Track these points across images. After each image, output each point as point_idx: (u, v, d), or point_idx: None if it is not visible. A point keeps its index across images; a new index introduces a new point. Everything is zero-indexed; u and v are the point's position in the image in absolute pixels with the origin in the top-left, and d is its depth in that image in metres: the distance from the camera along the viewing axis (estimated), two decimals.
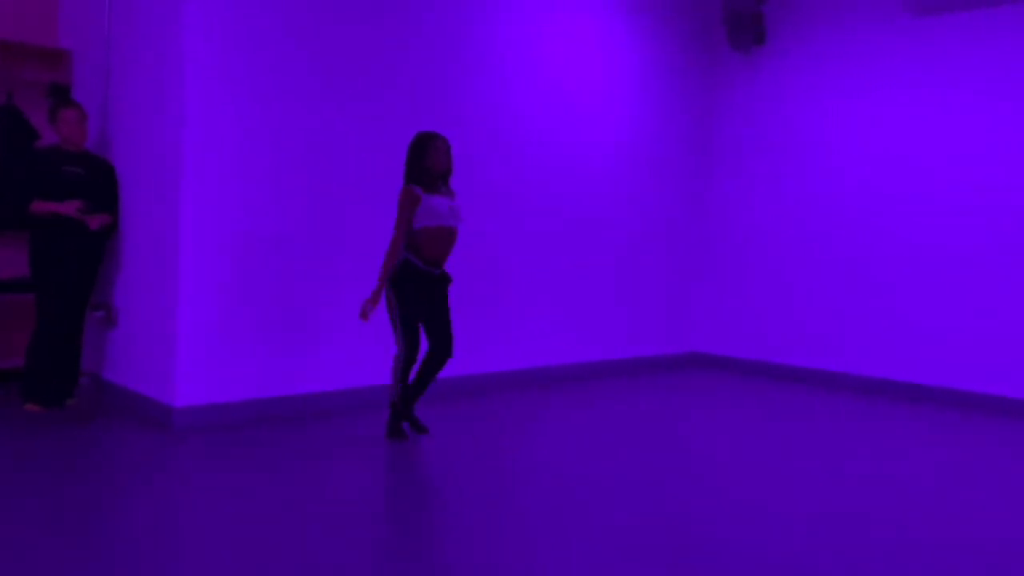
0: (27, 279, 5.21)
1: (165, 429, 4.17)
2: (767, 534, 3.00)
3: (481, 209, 5.61)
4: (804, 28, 6.93)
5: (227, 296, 4.37)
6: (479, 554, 2.68)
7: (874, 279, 6.50)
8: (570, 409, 5.15)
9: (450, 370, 5.48)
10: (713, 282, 7.54)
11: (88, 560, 2.48)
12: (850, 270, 6.63)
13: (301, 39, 4.59)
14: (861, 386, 6.52)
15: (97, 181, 4.58)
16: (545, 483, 3.52)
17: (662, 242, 7.14)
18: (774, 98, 7.12)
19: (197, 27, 4.19)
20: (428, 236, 4.05)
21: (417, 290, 4.09)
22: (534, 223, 5.99)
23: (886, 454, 4.35)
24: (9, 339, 5.27)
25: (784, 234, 7.04)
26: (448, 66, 5.34)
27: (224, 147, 4.33)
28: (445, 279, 4.25)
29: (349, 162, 4.86)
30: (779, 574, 2.62)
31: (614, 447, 4.22)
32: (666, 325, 7.25)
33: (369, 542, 2.74)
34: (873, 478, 3.85)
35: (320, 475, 3.49)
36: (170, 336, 4.25)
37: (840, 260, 6.69)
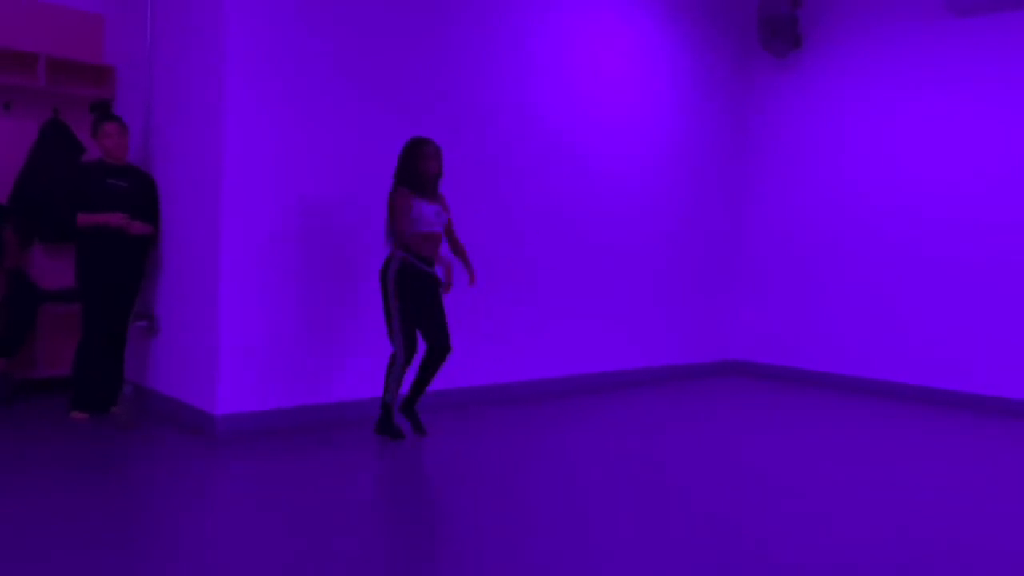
0: (74, 290, 5.34)
1: (206, 436, 4.23)
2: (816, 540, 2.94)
3: (518, 219, 5.61)
4: (839, 31, 6.84)
5: (267, 305, 4.43)
6: (521, 557, 2.66)
7: (922, 287, 6.35)
8: (605, 416, 5.11)
9: (487, 378, 5.47)
10: (751, 289, 7.45)
11: (123, 562, 2.52)
12: (895, 277, 6.50)
13: (339, 55, 4.65)
14: (901, 393, 6.38)
15: (140, 193, 4.67)
16: (572, 490, 3.50)
17: (699, 249, 7.07)
18: (810, 102, 7.02)
19: (237, 44, 4.27)
20: (418, 239, 4.22)
21: (417, 289, 4.23)
22: (571, 232, 5.97)
23: (939, 461, 4.24)
24: (58, 349, 5.40)
25: (821, 240, 6.93)
26: (481, 77, 5.36)
27: (262, 159, 4.40)
28: (437, 281, 4.38)
29: (384, 172, 4.90)
30: None
31: (651, 455, 4.18)
32: (704, 333, 7.17)
33: (408, 546, 2.74)
34: (924, 485, 3.76)
35: (360, 481, 3.51)
36: (211, 345, 4.31)
37: (888, 266, 6.56)
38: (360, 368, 4.82)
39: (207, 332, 4.35)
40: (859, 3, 6.74)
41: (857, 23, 6.75)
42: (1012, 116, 5.89)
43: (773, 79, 7.30)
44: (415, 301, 4.24)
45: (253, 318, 4.38)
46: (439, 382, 5.21)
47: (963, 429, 5.21)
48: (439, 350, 4.33)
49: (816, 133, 7.00)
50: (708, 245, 7.15)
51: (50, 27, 5.30)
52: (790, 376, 7.11)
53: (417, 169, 4.20)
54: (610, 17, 6.17)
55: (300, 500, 3.23)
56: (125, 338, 4.71)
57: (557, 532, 2.96)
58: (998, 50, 5.97)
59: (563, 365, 5.98)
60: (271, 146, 4.42)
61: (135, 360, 5.12)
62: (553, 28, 5.77)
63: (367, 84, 4.79)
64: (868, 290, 6.64)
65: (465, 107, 5.27)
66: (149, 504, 3.10)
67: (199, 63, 4.47)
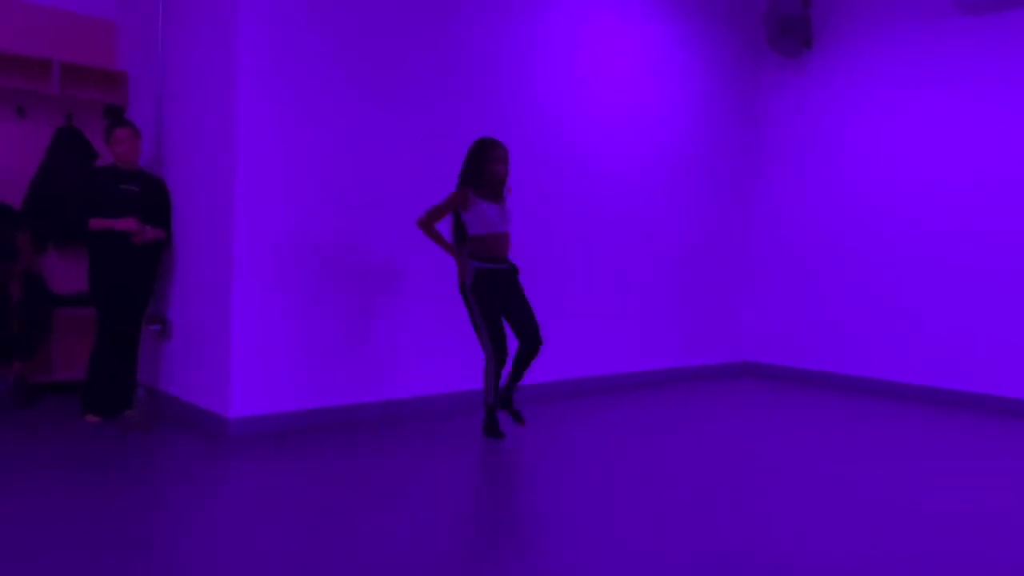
0: (88, 294, 5.41)
1: (219, 439, 4.30)
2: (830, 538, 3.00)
3: (521, 220, 5.67)
4: (847, 31, 6.87)
5: (279, 308, 4.49)
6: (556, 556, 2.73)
7: (924, 287, 6.40)
8: (608, 417, 5.17)
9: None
10: (759, 290, 7.50)
11: (126, 562, 2.59)
12: (903, 277, 6.55)
13: (347, 58, 4.70)
14: (902, 393, 6.43)
15: (152, 198, 4.74)
16: (576, 490, 3.56)
17: (709, 250, 7.11)
18: (815, 102, 7.06)
19: (247, 50, 4.33)
20: (484, 242, 4.30)
21: (490, 288, 4.30)
22: (575, 233, 6.02)
23: (939, 461, 4.30)
24: (72, 352, 5.47)
25: (826, 241, 6.98)
26: (484, 77, 5.41)
27: (274, 163, 4.46)
28: (514, 270, 4.42)
29: (395, 172, 4.96)
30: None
31: (654, 456, 4.24)
32: (711, 334, 7.21)
33: (412, 546, 2.81)
34: (935, 488, 3.82)
35: (367, 483, 3.58)
36: (223, 348, 4.38)
37: (893, 266, 6.61)
38: (372, 370, 4.89)
39: (219, 335, 4.42)
40: (868, 3, 6.77)
41: (864, 23, 6.78)
42: (1012, 116, 5.93)
43: (779, 79, 7.34)
44: (492, 299, 4.30)
45: (265, 321, 4.45)
46: (445, 385, 5.28)
47: (963, 428, 5.27)
48: (530, 347, 4.38)
49: (821, 133, 7.04)
50: (714, 246, 7.20)
51: (63, 33, 5.36)
52: (797, 377, 7.17)
53: (485, 171, 4.24)
54: (616, 17, 6.21)
55: (307, 501, 3.29)
56: (138, 341, 4.78)
57: (561, 532, 3.02)
58: (998, 50, 6.00)
59: (568, 367, 6.03)
60: (282, 149, 4.48)
61: (148, 364, 5.19)
62: (557, 28, 5.82)
63: (371, 85, 4.84)
64: (872, 290, 6.69)
65: (474, 111, 5.32)
66: (155, 506, 3.17)
67: (210, 67, 4.53)
